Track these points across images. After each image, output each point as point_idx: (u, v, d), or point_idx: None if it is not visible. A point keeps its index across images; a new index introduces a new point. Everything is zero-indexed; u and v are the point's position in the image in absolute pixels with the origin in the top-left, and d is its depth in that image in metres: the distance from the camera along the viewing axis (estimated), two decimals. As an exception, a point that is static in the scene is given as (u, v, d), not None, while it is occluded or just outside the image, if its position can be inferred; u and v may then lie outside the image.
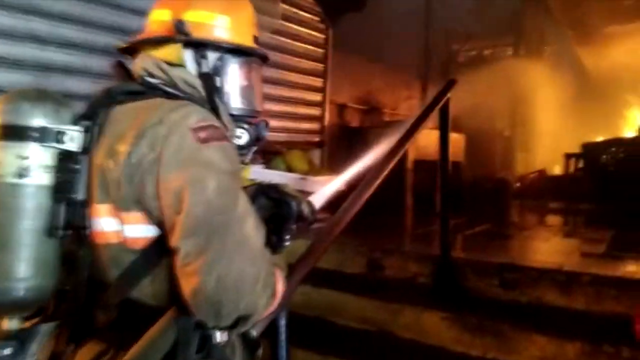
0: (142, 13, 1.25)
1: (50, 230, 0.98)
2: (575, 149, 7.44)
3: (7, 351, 0.99)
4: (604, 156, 7.03)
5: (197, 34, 1.11)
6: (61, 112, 1.01)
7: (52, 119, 0.99)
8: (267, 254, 1.02)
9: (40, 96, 1.01)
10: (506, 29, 8.02)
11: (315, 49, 4.39)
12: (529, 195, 6.61)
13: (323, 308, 2.84)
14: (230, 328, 1.01)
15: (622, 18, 8.14)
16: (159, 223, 0.98)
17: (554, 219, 5.24)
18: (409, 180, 4.40)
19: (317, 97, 4.49)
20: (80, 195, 1.00)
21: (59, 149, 1.00)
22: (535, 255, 3.56)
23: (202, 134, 0.97)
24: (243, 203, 0.99)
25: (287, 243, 1.23)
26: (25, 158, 0.97)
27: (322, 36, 4.42)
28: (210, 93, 1.12)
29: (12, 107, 0.99)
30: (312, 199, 1.47)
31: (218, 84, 1.14)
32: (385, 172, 2.23)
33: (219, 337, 1.05)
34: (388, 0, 5.56)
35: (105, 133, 1.03)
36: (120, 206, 0.99)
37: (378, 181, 2.21)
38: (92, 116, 1.04)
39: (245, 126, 1.19)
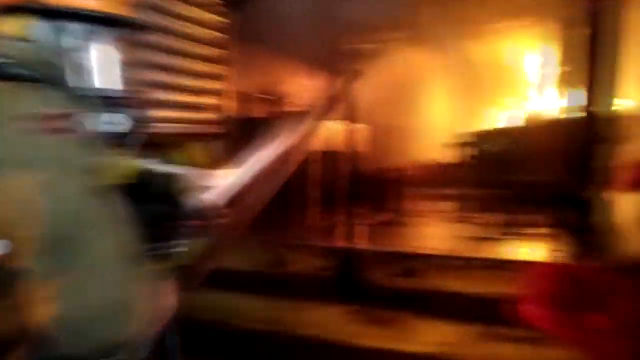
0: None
1: None
2: (465, 138, 8.00)
3: None
4: (490, 145, 7.63)
5: (54, 1, 0.94)
6: None
7: None
8: (139, 269, 0.88)
9: None
10: (403, 23, 8.31)
11: (217, 34, 4.15)
12: (423, 183, 6.95)
13: (225, 311, 2.70)
14: (101, 357, 0.86)
15: (510, 14, 8.79)
16: (5, 236, 0.80)
17: (447, 205, 5.53)
18: (314, 172, 4.35)
19: (218, 85, 4.26)
20: None
21: None
22: (433, 242, 3.72)
23: (53, 125, 0.81)
24: (104, 210, 0.84)
25: (181, 247, 1.10)
26: None
27: (225, 21, 4.19)
28: (64, 72, 0.95)
29: None
30: (210, 194, 1.36)
31: (78, 60, 0.97)
32: (291, 165, 2.15)
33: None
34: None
35: None
36: None
37: (284, 174, 2.12)
38: None
39: (118, 110, 1.03)
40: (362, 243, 3.13)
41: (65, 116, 0.85)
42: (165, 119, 3.62)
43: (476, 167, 7.29)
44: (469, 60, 9.88)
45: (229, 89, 4.40)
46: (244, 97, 5.09)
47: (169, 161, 3.68)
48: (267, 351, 2.35)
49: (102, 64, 1.01)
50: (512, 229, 3.59)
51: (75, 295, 0.78)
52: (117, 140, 1.06)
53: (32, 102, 0.83)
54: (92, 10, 0.97)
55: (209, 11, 4.03)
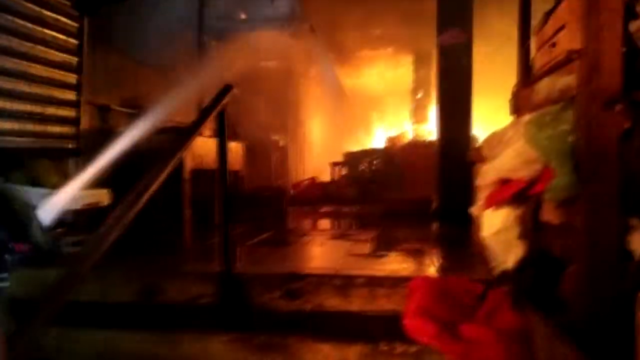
0: None
1: None
2: (340, 158, 8.31)
3: None
4: (361, 165, 8.03)
5: None
6: None
7: None
8: None
9: None
10: (282, 44, 8.39)
11: (66, 38, 3.67)
12: (303, 201, 7.01)
13: (87, 353, 2.31)
14: None
15: (371, 45, 9.41)
16: None
17: (326, 223, 5.60)
18: (187, 192, 4.06)
19: (71, 95, 3.76)
20: None
21: None
22: (313, 260, 3.67)
23: None
24: None
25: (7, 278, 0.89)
26: None
27: (75, 24, 3.72)
28: None
29: None
30: (44, 212, 1.13)
31: None
32: (158, 183, 1.90)
33: None
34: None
35: None
36: None
37: (149, 194, 1.87)
38: None
39: None
40: (244, 266, 2.95)
41: None
42: (4, 131, 3.08)
43: (351, 185, 7.59)
44: (340, 85, 10.38)
45: (84, 100, 3.92)
46: (104, 110, 4.60)
47: (10, 179, 3.12)
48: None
49: None
50: (390, 246, 3.70)
51: None
52: None
53: None
54: None
55: (57, 12, 3.56)
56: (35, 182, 3.18)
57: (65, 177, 3.55)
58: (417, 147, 8.19)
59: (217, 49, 7.11)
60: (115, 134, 4.54)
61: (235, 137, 5.64)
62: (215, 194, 2.84)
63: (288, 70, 8.55)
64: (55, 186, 3.15)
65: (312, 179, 8.22)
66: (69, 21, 3.64)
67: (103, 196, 3.48)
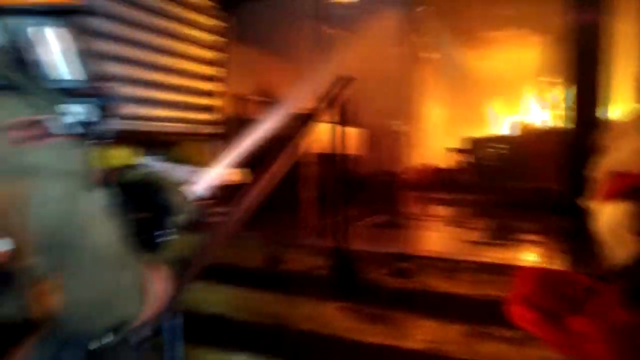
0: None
1: None
2: (459, 144, 8.12)
3: None
4: (488, 151, 7.75)
5: None
6: None
7: None
8: (128, 259, 0.93)
9: None
10: (400, 27, 8.43)
11: (215, 37, 4.23)
12: (419, 187, 7.06)
13: (222, 304, 2.77)
14: (103, 337, 0.94)
15: (499, 25, 8.94)
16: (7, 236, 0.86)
17: (442, 210, 5.63)
18: (308, 174, 4.43)
19: (216, 87, 4.34)
20: None
21: None
22: (425, 244, 3.80)
23: (19, 134, 0.82)
24: (91, 206, 0.88)
25: (168, 237, 1.14)
26: None
27: (222, 24, 4.28)
28: (16, 72, 0.92)
29: None
30: (194, 186, 1.39)
31: (31, 56, 0.95)
32: (284, 167, 2.21)
33: (98, 344, 0.97)
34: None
35: None
36: None
37: (277, 175, 2.19)
38: None
39: (82, 99, 1.01)
40: (356, 243, 3.21)
41: (37, 122, 0.85)
42: (162, 118, 3.68)
43: (472, 173, 7.42)
44: (468, 67, 10.04)
45: (225, 91, 4.48)
46: (242, 100, 5.18)
47: (165, 158, 3.74)
48: (263, 343, 2.42)
49: (51, 55, 0.98)
50: (504, 234, 3.68)
51: (76, 286, 0.83)
52: (90, 134, 1.02)
53: (6, 112, 0.83)
54: (31, 4, 0.95)
55: (206, 14, 4.12)
56: (186, 161, 3.78)
57: (210, 158, 4.14)
58: (544, 134, 7.66)
59: (338, 37, 7.39)
60: (251, 121, 5.12)
61: (356, 123, 5.90)
62: (335, 177, 3.12)
63: (409, 54, 8.54)
64: (202, 165, 3.72)
65: (429, 164, 8.19)
66: (216, 22, 4.19)
67: (241, 175, 4.00)
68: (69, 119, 0.96)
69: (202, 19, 4.09)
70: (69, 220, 0.83)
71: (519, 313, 2.27)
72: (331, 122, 3.78)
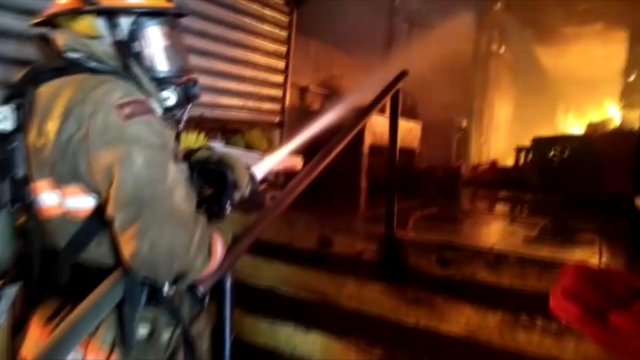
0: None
1: None
2: (528, 143, 7.88)
3: None
4: (551, 151, 7.48)
5: (106, 1, 1.14)
6: None
7: None
8: (200, 220, 1.11)
9: None
10: (469, 22, 8.28)
11: (279, 30, 4.47)
12: (481, 184, 6.97)
13: (273, 279, 2.99)
14: (172, 284, 1.13)
15: (577, 20, 8.54)
16: (97, 192, 1.06)
17: (499, 207, 5.57)
18: (364, 165, 4.58)
19: (279, 78, 4.58)
20: (20, 172, 1.08)
21: None
22: (473, 237, 3.83)
23: (126, 110, 1.02)
24: (172, 174, 1.06)
25: (228, 210, 1.34)
26: None
27: (286, 18, 4.50)
28: (127, 61, 1.14)
29: None
30: (254, 169, 1.58)
31: (136, 49, 1.17)
32: (335, 153, 2.35)
33: (167, 289, 1.18)
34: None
35: (35, 111, 1.09)
36: (59, 181, 1.07)
37: (327, 161, 2.32)
38: (21, 95, 1.10)
39: (172, 87, 1.21)
40: (406, 232, 3.33)
41: (141, 102, 1.07)
42: (231, 106, 3.95)
43: (534, 171, 7.20)
44: (542, 64, 9.66)
45: (289, 82, 4.71)
46: (303, 91, 5.40)
47: (231, 143, 4.06)
48: (309, 316, 2.60)
49: (152, 49, 1.19)
50: (558, 232, 3.64)
51: (156, 236, 1.01)
52: (173, 112, 1.26)
53: (112, 91, 1.04)
54: (137, 5, 1.17)
55: (272, 8, 4.35)
56: (249, 147, 4.05)
57: (271, 144, 4.40)
58: (622, 135, 7.26)
59: (406, 31, 7.41)
60: (311, 111, 5.35)
61: (414, 116, 5.95)
62: (391, 168, 3.24)
63: (478, 50, 8.38)
64: (265, 151, 3.98)
65: (493, 162, 8.03)
66: (281, 16, 4.42)
67: (299, 162, 4.22)
68: (164, 103, 1.20)
69: (269, 13, 4.33)
70: (158, 183, 1.03)
71: (562, 306, 2.31)
72: (390, 115, 3.89)
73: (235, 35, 3.91)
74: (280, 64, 4.56)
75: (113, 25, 1.15)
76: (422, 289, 2.70)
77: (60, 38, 1.15)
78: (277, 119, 4.61)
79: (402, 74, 3.07)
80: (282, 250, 3.21)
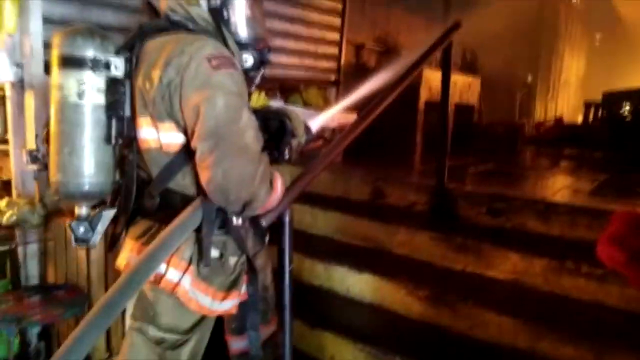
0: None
1: (106, 139, 1.30)
2: (597, 97, 7.44)
3: (82, 229, 1.36)
4: (623, 106, 7.03)
5: None
6: (107, 45, 1.29)
7: (100, 51, 1.27)
8: (264, 158, 1.30)
9: (90, 32, 1.28)
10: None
11: (336, -13, 4.51)
12: (546, 142, 6.75)
13: (329, 228, 3.20)
14: (240, 212, 1.35)
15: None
16: (185, 131, 1.30)
17: (560, 164, 5.43)
18: (420, 120, 4.62)
19: (334, 36, 4.64)
20: (126, 111, 1.31)
21: (108, 75, 1.28)
22: (527, 189, 3.82)
23: (214, 62, 1.25)
24: (245, 118, 1.27)
25: (287, 155, 1.53)
26: (83, 83, 1.26)
27: (343, -25, 4.53)
28: (218, 25, 1.38)
29: (69, 42, 1.26)
30: (310, 121, 1.76)
31: (225, 16, 1.40)
32: (383, 107, 2.43)
33: (235, 220, 1.40)
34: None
35: (142, 62, 1.32)
36: (157, 118, 1.31)
37: (374, 114, 2.40)
38: (131, 48, 1.33)
39: (250, 51, 1.45)
40: (458, 185, 3.40)
41: (226, 57, 1.29)
42: (287, 65, 4.11)
43: (602, 129, 6.84)
44: (615, 13, 8.94)
45: (345, 40, 4.77)
46: (359, 48, 5.44)
47: (289, 101, 4.28)
48: (362, 261, 2.80)
49: (238, 17, 1.42)
50: (616, 187, 3.56)
51: (228, 166, 1.22)
52: (250, 73, 1.49)
53: (204, 47, 1.27)
54: None
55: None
56: (307, 104, 4.22)
57: (328, 102, 4.54)
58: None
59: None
60: (368, 68, 5.39)
61: (473, 71, 5.83)
62: (448, 124, 3.29)
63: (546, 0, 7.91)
64: (321, 108, 4.13)
65: (559, 119, 7.71)
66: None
67: (354, 118, 4.34)
68: (244, 64, 1.44)
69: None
70: (233, 122, 1.24)
71: (608, 252, 2.34)
72: (442, 69, 3.89)
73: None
74: (336, 21, 4.61)
75: None
76: (470, 237, 2.80)
77: (164, 3, 1.38)
78: (333, 77, 4.72)
79: (455, 26, 3.06)
80: (337, 202, 3.41)
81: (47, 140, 1.38)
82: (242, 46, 1.44)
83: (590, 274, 2.34)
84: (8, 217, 2.45)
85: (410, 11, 6.16)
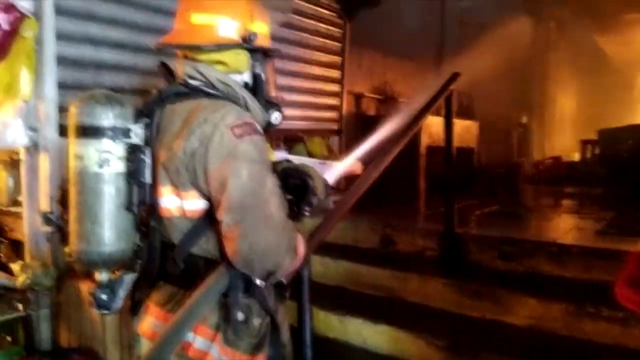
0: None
1: (127, 206, 1.29)
2: (592, 135, 7.58)
3: (104, 296, 1.34)
4: (620, 143, 7.14)
5: (258, 42, 1.40)
6: (125, 112, 1.30)
7: (119, 119, 1.28)
8: (289, 224, 1.30)
9: (108, 100, 1.29)
10: (524, 16, 8.13)
11: (333, 42, 4.68)
12: (545, 180, 6.81)
13: (340, 277, 3.18)
14: (263, 280, 1.34)
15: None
16: (208, 198, 1.29)
17: (563, 202, 5.46)
18: (422, 165, 4.68)
19: (335, 87, 4.79)
20: (147, 179, 1.31)
21: (128, 143, 1.29)
22: (535, 231, 3.83)
23: (238, 131, 1.25)
24: (269, 185, 1.27)
25: (307, 213, 1.54)
26: (103, 151, 1.25)
27: (340, 30, 4.71)
28: (254, 88, 1.42)
29: (88, 111, 1.26)
30: (326, 176, 1.78)
31: (262, 78, 1.44)
32: (392, 156, 2.49)
33: (259, 282, 1.39)
34: (403, -5, 5.80)
35: (162, 129, 1.33)
36: (180, 187, 1.31)
37: (385, 164, 2.46)
38: (149, 114, 1.34)
39: (277, 109, 1.47)
40: (466, 228, 3.41)
41: (249, 124, 1.29)
42: (291, 116, 4.21)
43: (599, 165, 6.92)
44: (602, 53, 9.24)
45: (345, 91, 4.91)
46: (358, 98, 5.59)
47: (293, 151, 4.33)
48: (376, 311, 2.76)
49: (270, 79, 1.47)
50: (623, 225, 3.57)
51: (253, 238, 1.21)
52: (271, 134, 1.54)
53: (227, 115, 1.27)
54: (268, 47, 1.45)
55: (326, 23, 4.58)
56: (310, 154, 4.29)
57: (330, 151, 4.61)
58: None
59: (458, 32, 7.40)
60: (368, 117, 5.52)
61: (469, 115, 5.97)
62: (447, 167, 3.34)
63: (535, 43, 8.21)
64: (325, 158, 4.19)
65: (557, 157, 7.81)
66: (336, 29, 4.65)
67: (359, 166, 4.40)
68: (273, 122, 1.46)
69: (324, 27, 4.57)
70: (258, 193, 1.24)
71: (627, 294, 2.31)
72: (445, 117, 3.98)
73: (293, 50, 4.16)
74: (336, 74, 4.76)
75: (254, 61, 1.42)
76: (484, 283, 2.78)
77: (181, 67, 1.40)
78: (335, 126, 4.82)
79: (454, 76, 3.18)
80: (347, 250, 3.40)
81: (61, 202, 1.38)
82: (270, 106, 1.46)
83: (612, 317, 2.31)
84: (23, 280, 2.43)
85: (405, 60, 6.38)
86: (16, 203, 2.86)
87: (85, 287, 2.49)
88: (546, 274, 2.85)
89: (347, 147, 4.83)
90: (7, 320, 2.45)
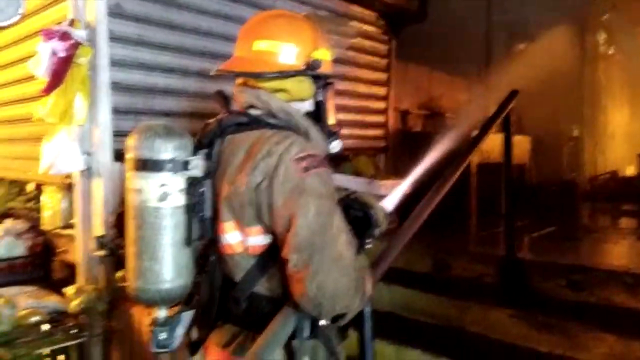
0: (229, 39, 1.38)
1: (186, 241, 1.23)
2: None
3: (163, 335, 1.28)
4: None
5: (322, 69, 1.34)
6: (184, 143, 1.24)
7: (179, 151, 1.22)
8: (357, 263, 1.19)
9: (167, 132, 1.24)
10: (572, 26, 7.82)
11: (380, 59, 4.60)
12: (601, 197, 6.46)
13: (394, 304, 3.05)
14: (332, 322, 1.24)
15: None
16: (272, 233, 1.21)
17: (625, 221, 5.12)
18: (473, 184, 4.49)
19: (381, 105, 4.69)
20: (207, 212, 1.26)
21: (187, 175, 1.23)
22: (604, 257, 3.57)
23: (303, 164, 1.17)
24: (337, 222, 1.18)
25: (369, 245, 1.44)
26: (164, 185, 1.20)
27: (385, 47, 4.63)
28: (317, 117, 1.36)
29: (147, 144, 1.21)
30: (383, 204, 1.67)
31: (315, 108, 1.38)
32: (453, 180, 2.38)
33: (324, 322, 1.29)
34: (448, 10, 5.68)
35: (223, 161, 1.26)
36: (244, 223, 1.23)
37: (445, 189, 2.36)
38: (209, 145, 1.28)
39: (337, 137, 1.40)
40: (527, 253, 3.21)
41: (314, 156, 1.20)
42: (342, 136, 4.11)
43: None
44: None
45: (391, 108, 4.80)
46: (404, 114, 5.47)
47: (340, 170, 4.20)
48: (434, 342, 2.61)
49: (330, 107, 1.40)
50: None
51: (322, 280, 1.11)
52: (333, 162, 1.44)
53: (291, 147, 1.19)
54: (331, 74, 1.39)
55: (372, 40, 4.51)
56: (357, 173, 4.18)
57: (377, 168, 4.50)
58: None
59: (505, 44, 7.19)
60: (413, 133, 5.40)
61: (520, 130, 5.74)
62: (500, 186, 3.17)
63: (584, 55, 7.87)
64: (372, 176, 4.08)
65: (613, 172, 7.40)
66: (382, 45, 4.57)
67: (415, 188, 4.27)
68: (333, 151, 1.38)
69: (370, 44, 4.50)
70: (326, 231, 1.15)
71: None
72: (495, 132, 3.82)
73: (339, 68, 4.10)
74: (382, 91, 4.67)
75: (318, 88, 1.37)
76: (552, 314, 2.60)
77: (242, 95, 1.33)
78: (382, 144, 4.71)
79: (514, 93, 3.04)
80: (400, 274, 3.24)
81: (115, 226, 1.34)
82: (331, 134, 1.38)
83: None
84: (76, 304, 2.42)
85: (451, 74, 6.22)
86: (69, 225, 2.88)
87: (137, 313, 2.46)
88: (621, 305, 2.63)
89: (394, 164, 4.71)
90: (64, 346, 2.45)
